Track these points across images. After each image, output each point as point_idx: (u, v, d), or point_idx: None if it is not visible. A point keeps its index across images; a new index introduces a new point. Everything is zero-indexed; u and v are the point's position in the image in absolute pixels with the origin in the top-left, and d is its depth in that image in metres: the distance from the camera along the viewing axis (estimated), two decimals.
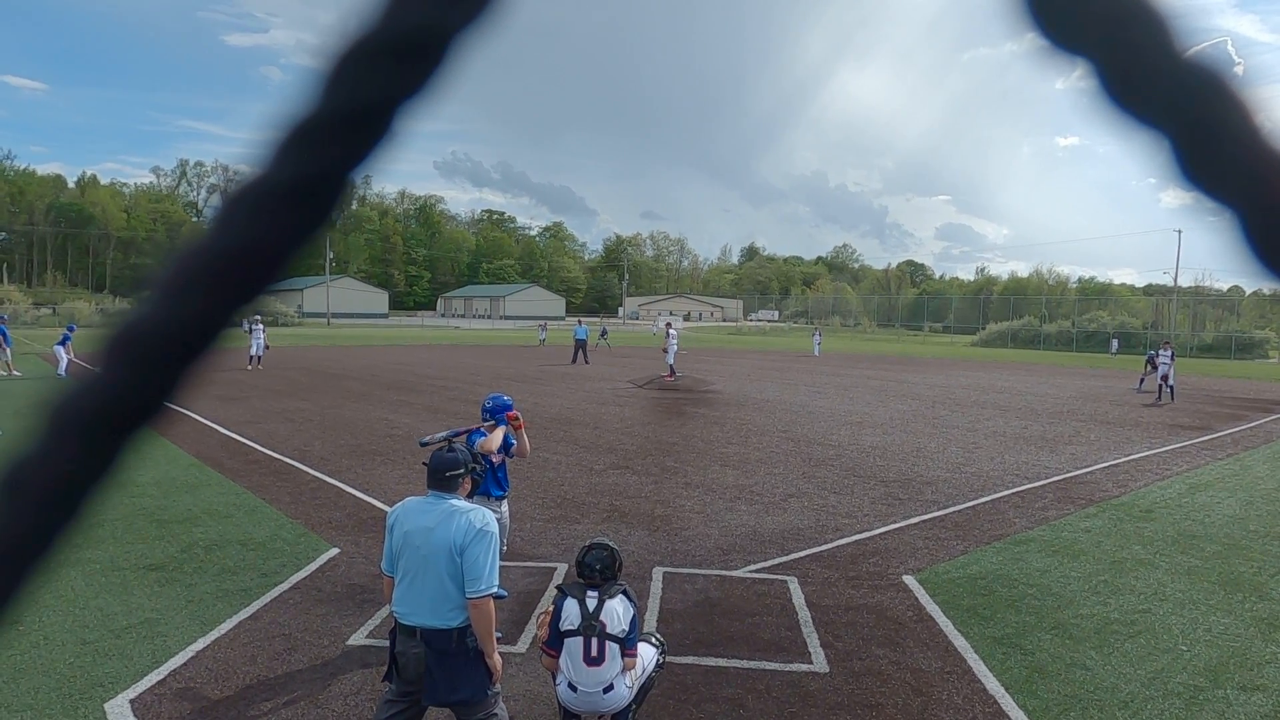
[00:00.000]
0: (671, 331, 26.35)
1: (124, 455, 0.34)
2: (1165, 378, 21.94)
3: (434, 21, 0.32)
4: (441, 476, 3.97)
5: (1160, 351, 22.48)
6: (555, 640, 4.25)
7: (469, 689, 3.75)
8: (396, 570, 3.88)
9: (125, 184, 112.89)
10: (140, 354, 0.33)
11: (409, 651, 3.78)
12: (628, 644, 4.26)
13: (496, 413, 6.38)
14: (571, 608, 4.23)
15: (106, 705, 4.77)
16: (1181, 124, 0.32)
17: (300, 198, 0.33)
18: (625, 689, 4.25)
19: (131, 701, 4.82)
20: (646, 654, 4.52)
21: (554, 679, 4.36)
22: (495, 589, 3.76)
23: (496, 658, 3.83)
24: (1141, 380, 22.48)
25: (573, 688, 4.19)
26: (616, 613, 4.22)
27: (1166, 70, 0.31)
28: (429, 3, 0.32)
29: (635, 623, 4.31)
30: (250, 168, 0.33)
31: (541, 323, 49.46)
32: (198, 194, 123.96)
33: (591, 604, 4.22)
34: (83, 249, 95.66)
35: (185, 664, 5.31)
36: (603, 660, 4.18)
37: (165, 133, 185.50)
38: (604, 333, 42.81)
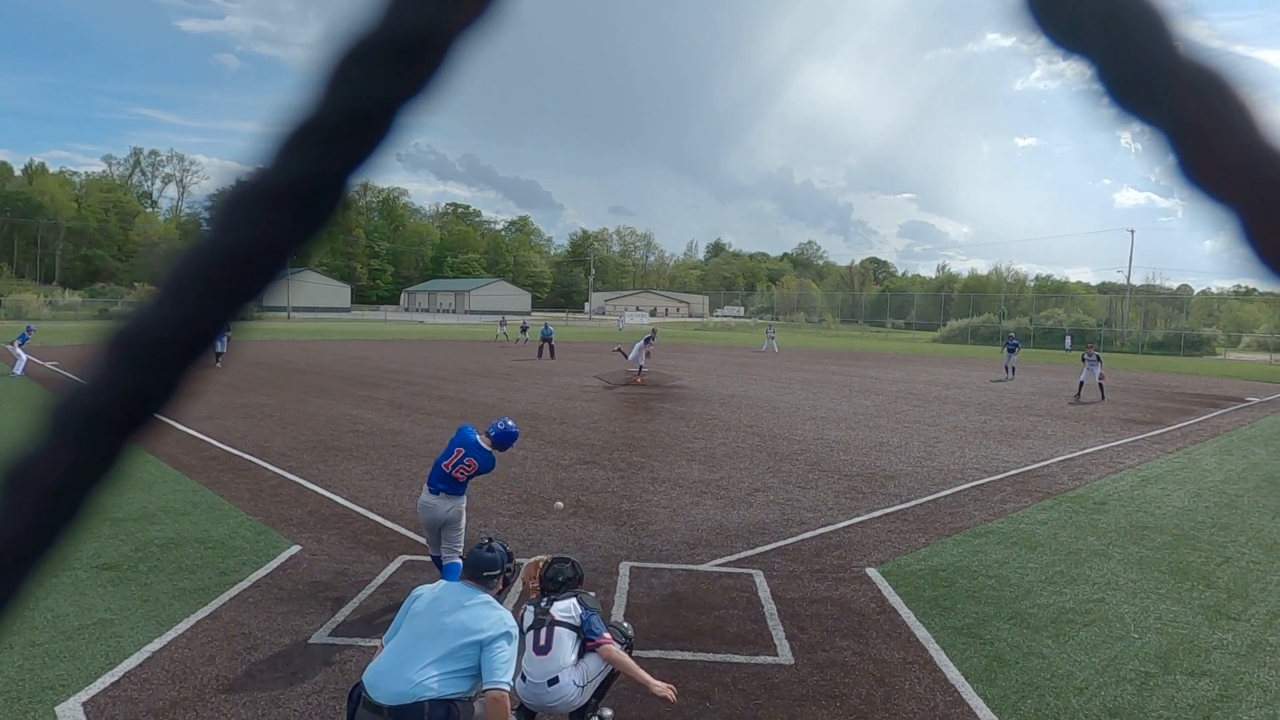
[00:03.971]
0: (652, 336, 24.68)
1: (124, 455, 0.34)
2: (1101, 378, 22.40)
3: (435, 23, 0.32)
4: (479, 575, 4.13)
5: (1088, 354, 22.92)
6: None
7: None
8: (394, 630, 3.91)
9: (75, 173, 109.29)
10: (140, 354, 0.33)
11: None
12: (590, 633, 4.44)
13: (503, 439, 6.27)
14: (528, 613, 4.60)
15: (58, 708, 4.63)
16: (1181, 123, 0.32)
17: (301, 199, 0.33)
18: (574, 686, 4.35)
19: (84, 704, 4.70)
20: (589, 674, 4.53)
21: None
22: (506, 685, 3.77)
23: None
24: (1080, 387, 22.85)
25: (524, 677, 4.38)
26: (563, 605, 4.53)
27: (1167, 69, 0.32)
28: (429, 4, 0.32)
29: (593, 615, 4.51)
30: (251, 168, 0.33)
31: (502, 319, 49.05)
32: (152, 184, 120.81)
33: (542, 605, 4.58)
34: (30, 239, 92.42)
35: (140, 665, 5.18)
36: (549, 650, 4.37)
37: (117, 120, 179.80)
38: (524, 328, 42.64)
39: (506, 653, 3.82)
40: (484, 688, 3.77)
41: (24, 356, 22.09)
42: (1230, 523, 9.51)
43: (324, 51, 0.33)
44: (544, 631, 4.43)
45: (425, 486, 6.30)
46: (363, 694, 3.72)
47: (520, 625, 4.38)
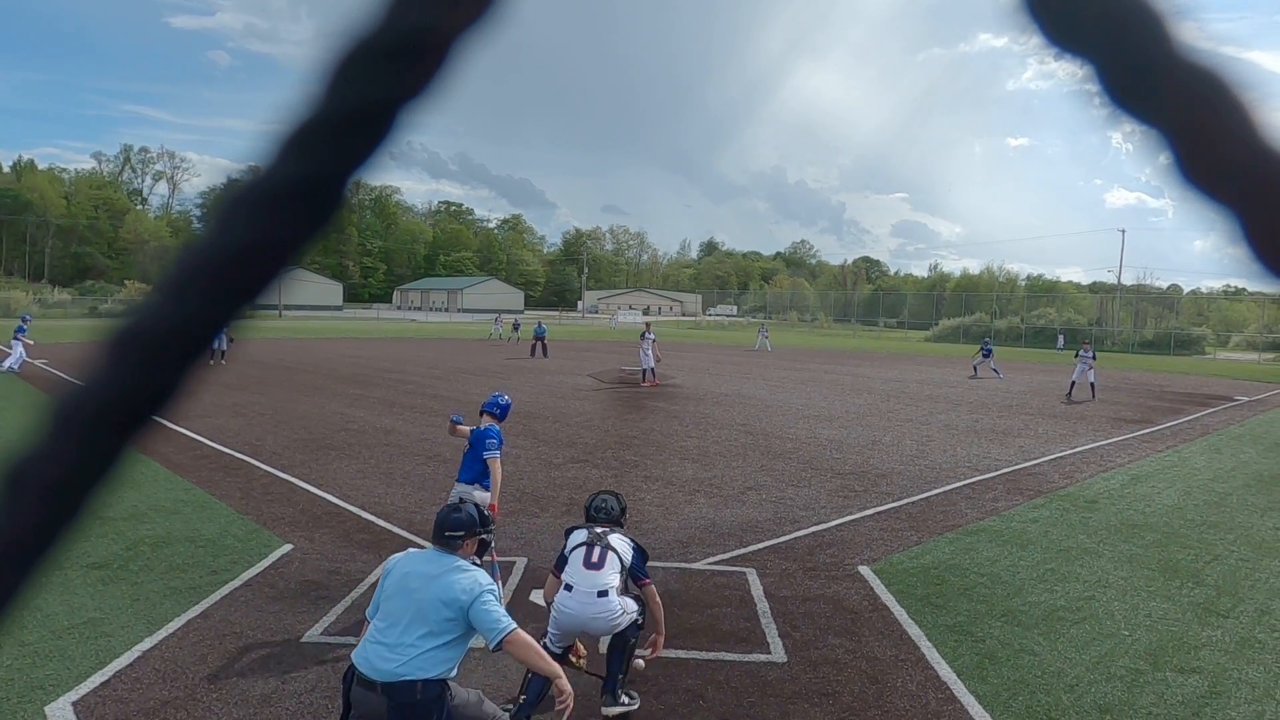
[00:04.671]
0: (648, 334, 23.46)
1: (125, 455, 0.34)
2: (1090, 377, 22.45)
3: (436, 23, 0.32)
4: (443, 536, 3.92)
5: (1083, 350, 22.91)
6: (561, 562, 4.74)
7: None
8: (375, 610, 3.82)
9: (65, 169, 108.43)
10: (141, 354, 0.33)
11: (368, 707, 3.64)
12: (637, 572, 4.67)
13: (504, 412, 6.87)
14: (579, 534, 4.80)
15: (47, 708, 4.61)
16: (1180, 124, 0.32)
17: (302, 199, 0.33)
18: (619, 604, 4.54)
19: (74, 704, 4.67)
20: (629, 606, 4.70)
21: (549, 609, 4.69)
22: (512, 626, 3.67)
23: (561, 682, 3.71)
24: (1072, 387, 22.85)
25: (569, 588, 4.57)
26: (618, 539, 4.72)
27: (1165, 70, 0.32)
28: (430, 5, 0.32)
29: (642, 556, 4.75)
30: (251, 167, 0.33)
31: (496, 317, 48.97)
32: (143, 181, 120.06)
33: (600, 530, 4.79)
34: (19, 236, 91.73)
35: (131, 664, 5.15)
36: (601, 566, 4.59)
37: (107, 117, 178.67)
38: (516, 326, 42.78)
39: (494, 605, 3.71)
40: (491, 645, 3.66)
41: (20, 350, 21.87)
42: (1219, 521, 9.58)
43: (324, 51, 0.33)
44: (597, 549, 4.66)
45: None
46: (355, 672, 3.69)
47: (570, 543, 4.75)
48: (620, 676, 4.60)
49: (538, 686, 4.30)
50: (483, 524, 4.06)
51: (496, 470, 6.53)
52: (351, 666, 3.73)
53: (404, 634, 3.64)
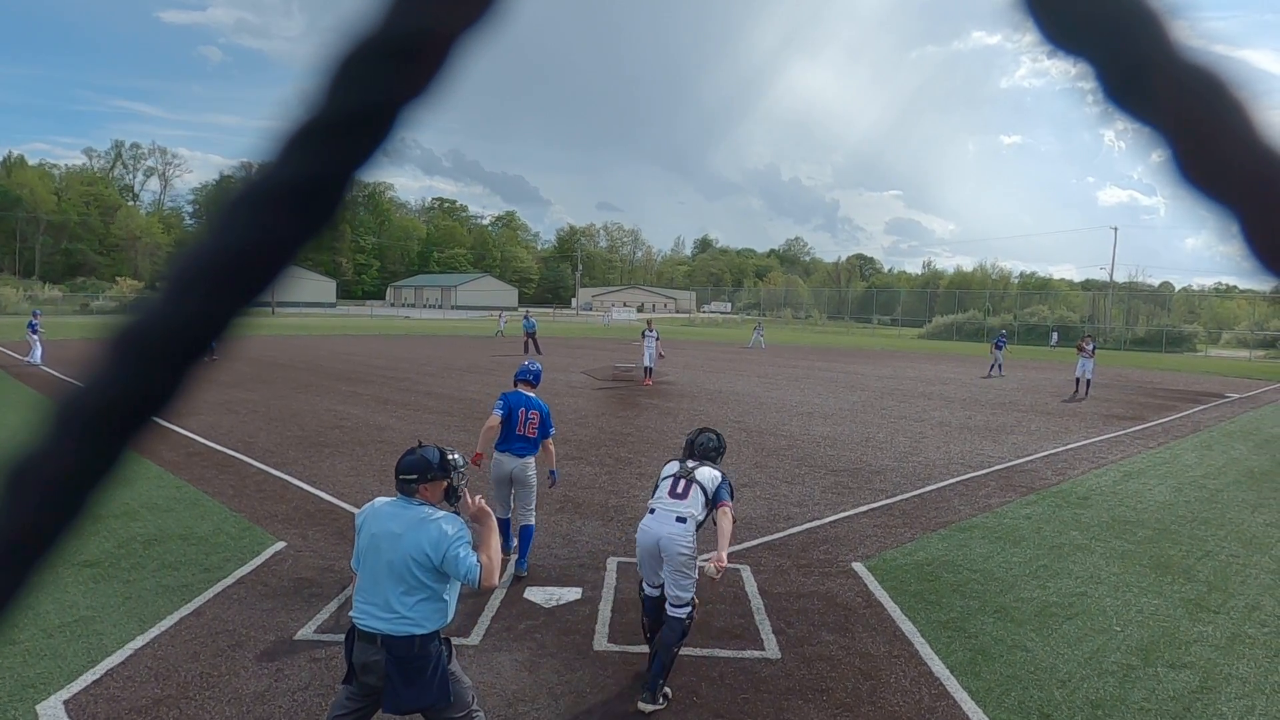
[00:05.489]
0: (650, 332, 22.80)
1: (126, 454, 0.34)
2: (1087, 374, 22.49)
3: (436, 24, 0.32)
4: (397, 478, 3.80)
5: (1084, 344, 22.89)
6: (653, 491, 5.30)
7: (432, 694, 3.65)
8: (360, 568, 3.76)
9: (55, 165, 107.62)
10: (143, 353, 0.33)
11: (368, 659, 3.65)
12: (719, 497, 5.06)
13: (537, 378, 7.39)
14: (671, 465, 5.31)
15: (39, 707, 4.58)
16: (1179, 123, 0.32)
17: (303, 199, 0.33)
18: (693, 531, 4.96)
19: (65, 702, 4.64)
20: (695, 554, 5.04)
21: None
22: (478, 564, 3.61)
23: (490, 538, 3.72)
24: (1077, 384, 22.79)
25: (652, 511, 5.08)
26: (708, 474, 5.16)
27: (1164, 69, 0.31)
28: (431, 5, 0.32)
29: (726, 485, 5.14)
30: (252, 167, 0.33)
31: (500, 314, 48.92)
32: (134, 177, 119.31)
33: (690, 465, 5.22)
34: (9, 232, 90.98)
35: (123, 663, 5.13)
36: (685, 497, 5.04)
37: (98, 113, 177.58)
38: (502, 317, 42.86)
39: (464, 551, 3.60)
40: (473, 588, 3.66)
41: (39, 344, 21.98)
42: (1210, 517, 9.63)
43: (326, 52, 0.33)
44: (683, 482, 5.11)
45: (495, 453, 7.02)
46: (355, 629, 3.70)
47: (663, 473, 5.25)
48: (661, 678, 4.81)
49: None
50: (441, 468, 3.82)
51: (550, 452, 7.18)
52: (352, 626, 3.74)
53: (387, 594, 3.64)
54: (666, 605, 4.98)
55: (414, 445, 3.99)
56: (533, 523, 7.06)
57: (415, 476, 3.76)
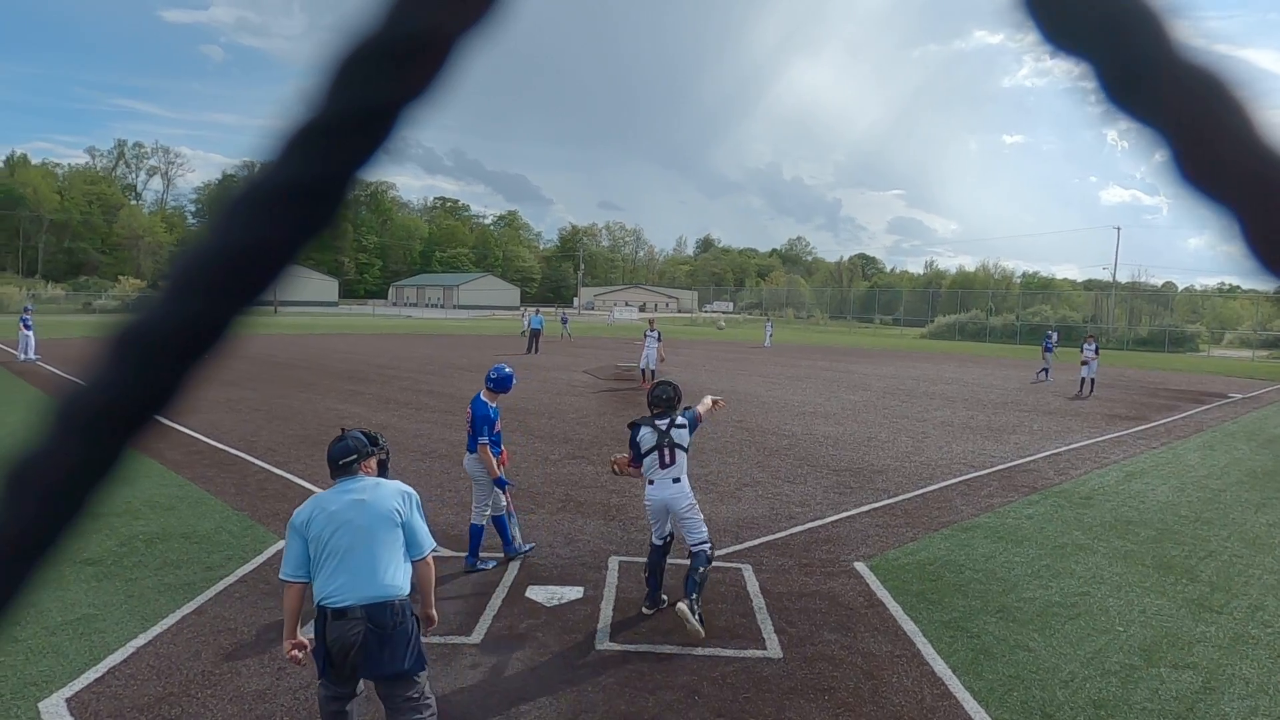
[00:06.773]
0: (651, 332, 22.44)
1: (127, 454, 0.34)
2: (1089, 374, 22.43)
3: (437, 24, 0.32)
4: (337, 465, 3.99)
5: (1086, 345, 22.86)
6: (639, 458, 6.05)
7: (406, 660, 3.75)
8: (317, 561, 3.77)
9: (58, 164, 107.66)
10: (143, 353, 0.33)
11: (344, 636, 3.67)
12: (695, 426, 6.16)
13: (500, 385, 7.10)
14: (646, 432, 6.03)
15: (41, 705, 4.59)
16: (1180, 123, 0.31)
17: (304, 199, 0.33)
18: (686, 485, 6.03)
19: (68, 700, 4.66)
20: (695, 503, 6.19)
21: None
22: (434, 546, 3.97)
23: (434, 612, 4.12)
24: (1082, 383, 22.74)
25: (651, 482, 6.00)
26: (680, 432, 6.04)
27: (1165, 71, 0.31)
28: (432, 5, 0.32)
29: (691, 412, 6.21)
30: (253, 167, 0.33)
31: (523, 312, 48.96)
32: (136, 176, 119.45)
33: (663, 425, 6.03)
34: (12, 231, 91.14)
35: (125, 661, 5.14)
36: (673, 463, 5.99)
37: (100, 112, 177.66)
38: (564, 320, 42.95)
39: (420, 521, 3.96)
40: (414, 558, 3.89)
41: (32, 338, 22.03)
42: (1213, 517, 9.62)
43: (327, 51, 0.33)
44: (666, 451, 5.96)
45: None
46: (327, 612, 3.70)
47: (642, 446, 6.00)
48: (697, 592, 5.73)
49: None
50: (371, 443, 4.12)
51: (488, 459, 6.94)
52: (322, 611, 3.72)
53: (365, 558, 3.72)
54: (688, 545, 5.97)
55: (339, 433, 4.20)
56: (480, 522, 7.02)
57: (355, 456, 4.01)
